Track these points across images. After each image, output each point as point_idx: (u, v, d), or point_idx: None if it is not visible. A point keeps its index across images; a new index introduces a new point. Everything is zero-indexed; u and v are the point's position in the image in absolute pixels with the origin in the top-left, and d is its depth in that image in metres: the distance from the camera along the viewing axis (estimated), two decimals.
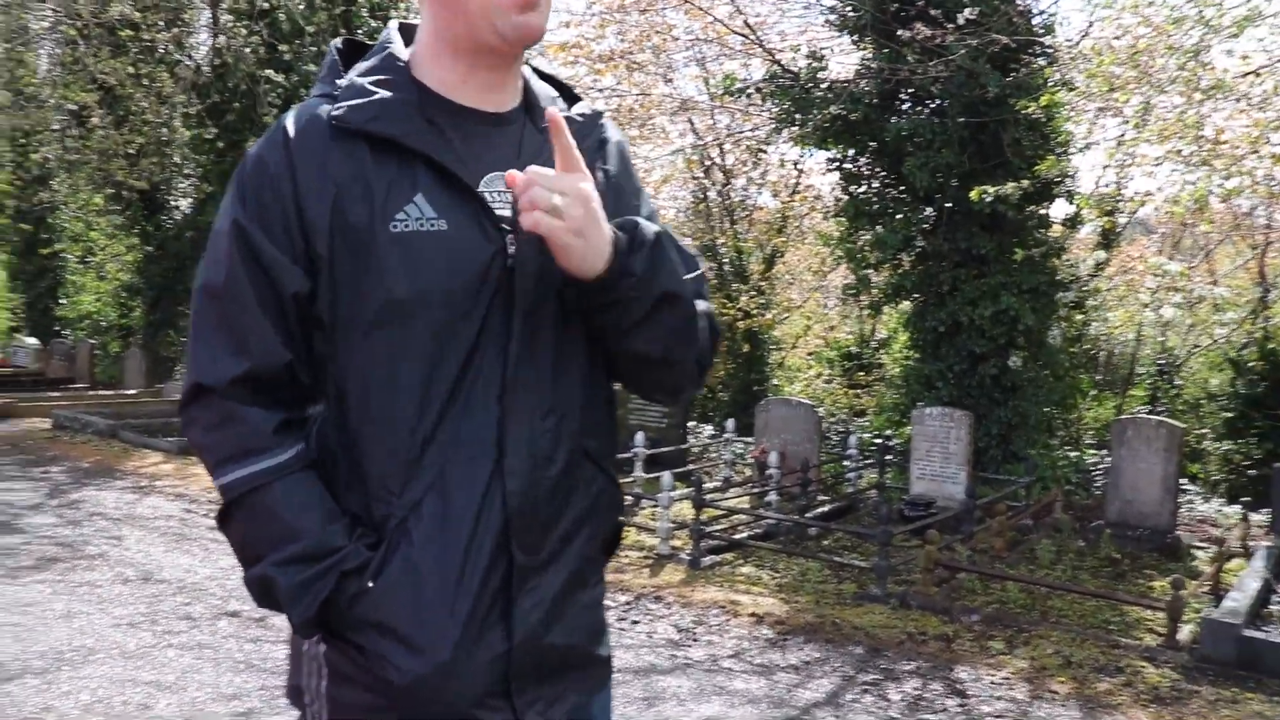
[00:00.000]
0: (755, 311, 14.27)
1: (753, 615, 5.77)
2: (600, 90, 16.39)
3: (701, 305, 1.52)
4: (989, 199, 6.69)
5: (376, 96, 1.40)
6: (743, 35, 10.94)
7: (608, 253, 1.35)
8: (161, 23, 12.01)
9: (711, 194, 15.98)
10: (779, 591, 6.26)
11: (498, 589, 1.39)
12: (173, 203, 16.34)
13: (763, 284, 15.06)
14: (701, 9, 11.24)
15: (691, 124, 15.45)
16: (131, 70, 12.22)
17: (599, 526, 1.53)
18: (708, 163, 15.83)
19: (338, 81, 1.45)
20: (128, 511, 8.20)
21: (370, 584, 1.36)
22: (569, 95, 1.59)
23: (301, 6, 12.28)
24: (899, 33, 8.10)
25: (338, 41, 1.54)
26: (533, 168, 1.33)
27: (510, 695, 1.42)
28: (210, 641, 5.09)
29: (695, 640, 5.38)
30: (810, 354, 17.51)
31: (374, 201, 1.36)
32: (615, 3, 14.93)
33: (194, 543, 7.11)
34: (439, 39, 1.45)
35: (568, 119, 1.48)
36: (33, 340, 20.07)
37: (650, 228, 1.42)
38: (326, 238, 1.37)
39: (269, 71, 11.96)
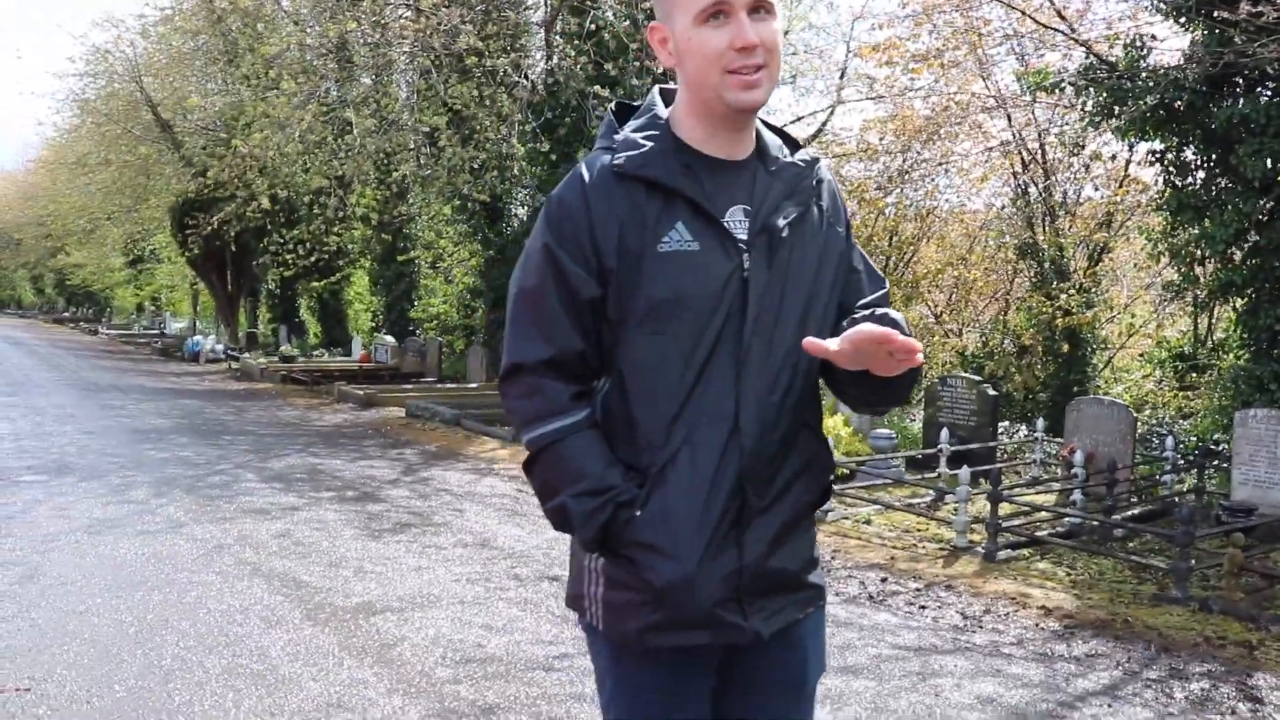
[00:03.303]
0: (1076, 310, 13.76)
1: (1042, 608, 5.80)
2: (917, 89, 16.34)
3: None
4: None
5: (645, 148, 1.83)
6: (1053, 29, 10.65)
7: None
8: (502, 49, 13.17)
9: (1032, 190, 15.52)
10: (1073, 588, 6.22)
11: (733, 522, 1.81)
12: (512, 211, 17.47)
13: (1084, 281, 14.47)
14: (1008, 3, 11.00)
15: (1009, 119, 15.08)
16: (476, 94, 13.55)
17: (813, 480, 1.94)
18: (1027, 158, 15.39)
19: (615, 137, 1.89)
20: (468, 489, 9.26)
21: (638, 513, 1.80)
22: (791, 143, 1.97)
23: (626, 24, 13.04)
24: (1216, 13, 7.68)
25: (613, 105, 2.00)
26: (902, 341, 1.66)
27: (741, 603, 1.84)
28: (534, 599, 5.78)
29: (980, 627, 5.50)
30: (1141, 354, 16.60)
31: (646, 228, 1.80)
32: (929, 2, 14.83)
33: (524, 518, 7.94)
34: (690, 106, 1.86)
35: (790, 163, 1.90)
36: (390, 339, 22.39)
37: (901, 323, 1.79)
38: (614, 257, 1.80)
39: (596, 88, 12.82)
